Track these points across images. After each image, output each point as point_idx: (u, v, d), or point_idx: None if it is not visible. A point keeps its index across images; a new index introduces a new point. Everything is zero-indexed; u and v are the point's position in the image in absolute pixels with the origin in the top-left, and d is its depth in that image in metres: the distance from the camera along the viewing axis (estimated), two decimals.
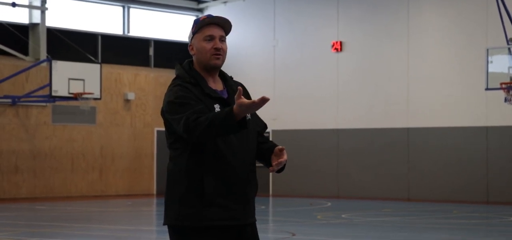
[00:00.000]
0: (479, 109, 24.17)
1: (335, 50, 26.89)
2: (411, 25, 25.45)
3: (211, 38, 4.65)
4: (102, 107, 27.50)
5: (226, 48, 4.71)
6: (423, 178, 25.15)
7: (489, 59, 20.68)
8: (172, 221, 4.62)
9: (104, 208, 23.37)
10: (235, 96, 4.37)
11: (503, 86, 19.60)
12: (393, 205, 23.39)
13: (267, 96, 4.37)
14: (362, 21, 26.49)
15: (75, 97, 23.85)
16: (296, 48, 28.04)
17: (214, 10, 30.18)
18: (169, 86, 4.69)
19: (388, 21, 25.89)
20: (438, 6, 25.19)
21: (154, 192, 28.80)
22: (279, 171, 4.70)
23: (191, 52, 4.71)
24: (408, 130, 25.44)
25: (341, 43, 26.84)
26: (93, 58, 26.33)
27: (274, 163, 4.65)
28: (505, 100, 19.68)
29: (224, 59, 4.72)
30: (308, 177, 27.34)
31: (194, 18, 30.14)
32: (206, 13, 30.48)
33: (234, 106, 4.36)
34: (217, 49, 4.65)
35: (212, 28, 4.66)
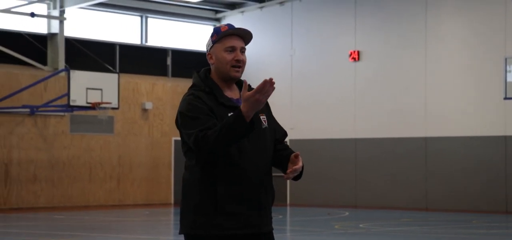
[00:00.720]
0: (497, 118, 24.03)
1: (353, 59, 26.84)
2: (429, 34, 25.37)
3: (232, 49, 4.65)
4: (119, 116, 27.57)
5: (246, 60, 4.70)
6: (441, 188, 25.02)
7: (508, 68, 20.56)
8: (187, 229, 4.62)
9: (122, 218, 23.40)
10: (242, 91, 4.35)
11: None
12: (411, 214, 23.29)
13: (270, 78, 4.33)
14: (379, 30, 26.43)
15: (93, 106, 23.92)
16: (314, 57, 28.01)
17: (231, 19, 30.21)
18: (184, 94, 4.69)
19: (405, 30, 25.82)
20: (456, 15, 25.10)
21: (172, 201, 28.81)
22: (296, 178, 4.68)
23: (210, 61, 4.71)
24: (425, 140, 25.33)
25: (358, 52, 26.79)
26: (111, 68, 26.40)
27: (289, 171, 4.63)
28: None
29: (243, 70, 4.71)
30: (325, 187, 27.28)
31: (211, 27, 30.22)
32: (223, 22, 30.51)
33: (241, 106, 4.34)
34: (238, 61, 4.65)
35: (233, 39, 4.65)
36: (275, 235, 4.81)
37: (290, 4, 28.62)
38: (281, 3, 28.85)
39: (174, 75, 29.55)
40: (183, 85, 29.21)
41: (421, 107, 25.40)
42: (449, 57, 25.06)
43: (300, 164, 4.62)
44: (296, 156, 4.66)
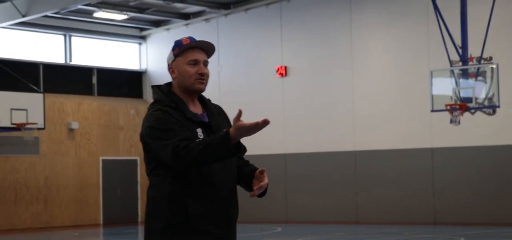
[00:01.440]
0: (424, 131, 24.39)
1: (280, 75, 26.92)
2: (354, 49, 25.62)
3: (195, 62, 4.57)
4: (45, 137, 27.07)
5: (209, 73, 4.63)
6: (371, 201, 25.25)
7: (433, 81, 20.87)
8: None
9: None
10: (234, 118, 4.28)
11: (448, 107, 19.80)
12: (343, 228, 23.43)
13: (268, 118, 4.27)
14: (306, 46, 26.57)
15: (18, 127, 23.43)
16: (241, 74, 28.02)
17: (157, 36, 30.03)
18: (148, 110, 4.58)
19: (331, 45, 26.01)
20: (381, 30, 25.40)
21: (101, 222, 28.40)
22: (261, 195, 4.62)
23: (172, 75, 4.61)
24: (355, 153, 25.55)
25: (285, 67, 26.89)
26: (35, 87, 25.92)
27: (255, 187, 4.57)
28: (451, 121, 19.87)
29: (207, 83, 4.64)
30: (256, 203, 27.19)
31: (137, 45, 29.98)
32: (149, 40, 30.30)
33: (231, 129, 4.27)
34: (201, 74, 4.56)
35: (196, 52, 4.57)
36: None
37: (215, 21, 28.57)
38: (206, 20, 28.78)
39: (100, 93, 29.18)
40: (110, 103, 28.88)
41: (350, 121, 25.61)
42: (375, 72, 25.34)
43: (266, 180, 4.57)
44: (262, 172, 4.60)
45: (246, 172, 4.70)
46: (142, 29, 30.15)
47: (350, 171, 25.57)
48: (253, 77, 27.70)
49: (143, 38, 30.33)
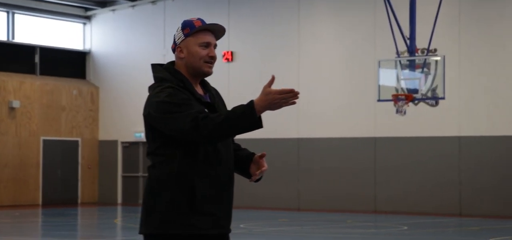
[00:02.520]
0: (368, 120, 24.65)
1: (226, 60, 26.91)
2: (302, 35, 25.74)
3: (207, 45, 4.53)
4: None
5: (216, 56, 4.61)
6: (314, 189, 25.43)
7: (380, 71, 21.09)
8: (154, 229, 4.40)
9: None
10: (265, 85, 4.21)
11: (394, 98, 20.03)
12: (286, 215, 23.56)
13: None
14: (253, 31, 26.61)
15: None
16: None
17: (103, 17, 29.72)
18: (154, 89, 4.48)
19: (279, 31, 26.09)
20: (328, 17, 25.58)
21: (40, 202, 28.06)
22: (257, 181, 4.61)
23: (180, 55, 4.53)
24: (298, 140, 25.69)
25: (232, 53, 26.89)
26: None
27: (257, 172, 4.55)
28: (396, 111, 20.12)
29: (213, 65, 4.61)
30: None
31: (81, 25, 29.64)
32: (94, 20, 29.97)
33: (256, 99, 4.22)
34: (212, 57, 4.53)
35: (208, 35, 4.54)
36: None
37: (162, 4, 28.41)
38: (153, 2, 28.61)
39: (43, 73, 28.80)
40: (52, 83, 28.52)
41: (294, 108, 25.71)
42: (322, 59, 25.50)
43: (266, 165, 4.56)
44: (261, 157, 4.58)
45: (242, 156, 4.66)
46: (87, 9, 29.82)
47: (293, 158, 25.70)
48: None
49: (88, 18, 30.00)
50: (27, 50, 28.62)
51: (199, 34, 4.52)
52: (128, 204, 28.71)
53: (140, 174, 29.21)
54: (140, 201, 28.55)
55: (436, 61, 20.56)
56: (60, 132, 28.71)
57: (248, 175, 4.64)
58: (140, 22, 28.92)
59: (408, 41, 20.00)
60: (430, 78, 20.55)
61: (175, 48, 4.57)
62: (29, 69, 28.51)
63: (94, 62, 29.95)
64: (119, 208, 27.80)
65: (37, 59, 28.76)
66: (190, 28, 4.52)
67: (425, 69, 20.25)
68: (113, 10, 29.48)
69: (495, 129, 23.10)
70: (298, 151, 25.70)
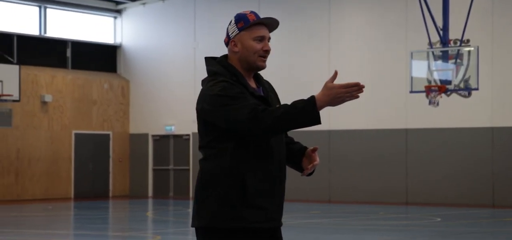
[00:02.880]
0: (400, 112, 24.53)
1: None
2: (332, 26, 25.66)
3: (262, 39, 4.51)
4: (18, 109, 26.80)
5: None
6: (344, 181, 25.36)
7: (412, 62, 20.98)
8: (206, 222, 4.42)
9: (25, 213, 22.78)
10: (328, 80, 4.21)
11: (427, 89, 19.92)
12: (317, 207, 23.52)
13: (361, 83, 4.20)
14: (284, 22, 26.50)
15: None
16: (217, 50, 27.72)
17: (133, 11, 29.82)
18: (208, 83, 4.47)
19: (309, 23, 26.03)
20: (359, 8, 25.48)
21: (72, 195, 28.24)
22: (309, 174, 4.59)
23: (234, 48, 4.51)
24: (329, 133, 25.62)
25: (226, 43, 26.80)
26: (10, 59, 25.64)
27: (309, 166, 4.54)
28: (429, 102, 20.01)
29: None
30: None
31: (112, 18, 29.76)
32: (124, 14, 30.08)
33: (317, 95, 4.21)
34: (266, 51, 4.52)
35: (262, 29, 4.52)
36: None
37: None
38: None
39: (74, 67, 28.96)
40: (83, 77, 28.69)
41: None
42: (353, 51, 25.41)
43: (318, 159, 4.54)
44: (314, 151, 4.57)
45: (295, 150, 4.65)
46: (117, 3, 29.93)
47: (324, 151, 25.63)
48: None
49: (119, 11, 30.11)
50: (59, 44, 28.77)
51: (253, 28, 4.49)
52: (158, 197, 28.81)
53: (170, 167, 29.29)
54: (171, 194, 28.91)
55: (469, 51, 20.43)
56: (91, 125, 28.86)
57: (300, 168, 4.63)
58: (171, 16, 28.97)
59: (441, 32, 19.87)
60: (462, 69, 20.43)
61: (228, 41, 4.53)
62: (60, 63, 28.67)
63: (125, 55, 30.06)
64: (150, 201, 27.90)
65: (68, 53, 28.92)
66: (244, 22, 4.49)
67: (458, 60, 20.11)
68: (144, 3, 29.55)
69: None
70: (329, 143, 25.63)
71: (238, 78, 4.44)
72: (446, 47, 20.12)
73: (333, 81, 4.27)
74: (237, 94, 4.33)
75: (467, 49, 20.61)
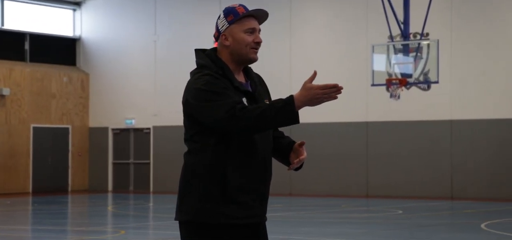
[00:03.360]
0: (361, 105, 24.66)
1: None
2: (293, 21, 25.70)
3: (253, 31, 4.48)
4: None
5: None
6: (305, 174, 25.39)
7: (373, 55, 21.10)
8: (188, 216, 4.40)
9: None
10: (307, 80, 4.20)
11: (388, 82, 20.05)
12: (278, 200, 23.55)
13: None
14: None
15: None
16: (177, 44, 27.81)
17: (92, 4, 29.56)
18: (194, 75, 4.44)
19: (270, 19, 25.77)
20: (320, 2, 25.55)
21: (30, 190, 27.95)
22: (297, 168, 4.58)
23: (225, 42, 4.47)
24: (290, 127, 25.58)
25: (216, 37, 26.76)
26: None
27: (295, 161, 4.53)
28: (391, 96, 20.14)
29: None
30: None
31: (71, 11, 29.48)
32: (84, 7, 29.81)
33: (296, 94, 4.20)
34: (258, 43, 4.49)
35: (252, 21, 4.49)
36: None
37: None
38: None
39: (33, 60, 28.64)
40: (42, 70, 28.38)
41: (286, 93, 25.66)
42: (314, 45, 25.47)
43: (305, 154, 4.53)
44: (301, 145, 4.56)
45: (284, 144, 4.62)
46: None
47: (316, 144, 25.61)
48: (190, 48, 27.36)
49: (78, 4, 29.82)
50: (17, 37, 28.44)
51: (243, 21, 4.47)
52: (118, 191, 28.64)
53: (131, 161, 29.14)
54: (131, 188, 28.75)
55: (429, 45, 20.59)
56: (50, 119, 28.59)
57: (288, 163, 4.61)
58: (131, 8, 28.78)
59: (401, 26, 20.00)
60: (422, 62, 20.60)
61: (218, 36, 4.50)
62: (19, 56, 28.35)
63: (84, 48, 29.80)
64: (110, 195, 27.72)
65: (27, 46, 28.60)
66: (234, 15, 4.46)
67: (418, 54, 20.28)
68: None
69: (487, 112, 23.15)
70: (291, 137, 25.59)
71: (225, 72, 4.42)
72: (406, 40, 20.26)
73: (311, 81, 4.26)
74: (220, 89, 4.31)
75: (427, 42, 20.78)
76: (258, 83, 4.56)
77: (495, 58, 23.01)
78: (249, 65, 4.55)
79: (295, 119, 4.23)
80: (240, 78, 4.51)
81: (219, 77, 4.36)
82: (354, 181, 24.78)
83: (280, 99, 4.24)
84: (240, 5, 4.49)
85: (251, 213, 4.42)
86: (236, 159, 4.36)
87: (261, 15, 4.52)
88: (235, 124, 4.23)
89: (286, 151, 4.61)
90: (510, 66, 22.80)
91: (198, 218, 4.38)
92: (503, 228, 15.59)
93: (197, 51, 4.55)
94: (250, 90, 4.48)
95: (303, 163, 4.54)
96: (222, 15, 4.49)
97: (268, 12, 4.60)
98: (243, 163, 4.37)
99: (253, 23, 4.48)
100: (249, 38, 4.46)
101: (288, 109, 4.19)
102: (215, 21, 4.63)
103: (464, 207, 20.65)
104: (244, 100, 4.39)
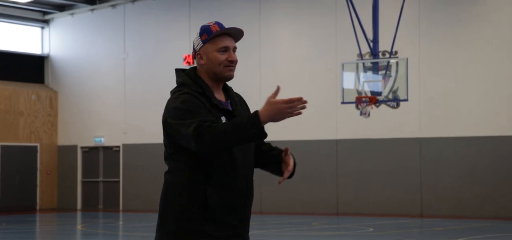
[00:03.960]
0: (331, 123, 24.72)
1: (188, 64, 26.79)
2: (263, 38, 25.74)
3: (226, 49, 4.48)
4: None
5: (237, 60, 4.55)
6: (275, 192, 25.41)
7: (343, 73, 21.15)
8: (168, 236, 4.38)
9: None
10: (270, 95, 4.20)
11: (358, 100, 20.12)
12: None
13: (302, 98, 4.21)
14: None
15: None
16: (147, 61, 27.75)
17: (61, 21, 29.42)
18: (173, 94, 4.46)
19: (244, 31, 25.98)
20: (289, 20, 25.61)
21: None
22: (290, 176, 4.53)
23: (200, 61, 4.49)
24: None
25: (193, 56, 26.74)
26: None
27: (285, 173, 4.48)
28: (361, 113, 20.21)
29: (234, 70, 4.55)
30: (159, 192, 27.02)
31: (39, 29, 29.32)
32: (52, 25, 29.66)
33: (261, 109, 4.18)
34: (232, 61, 4.47)
35: (226, 39, 4.49)
36: None
37: (122, 7, 28.21)
38: (113, 6, 28.38)
39: (0, 78, 28.42)
40: (10, 88, 28.16)
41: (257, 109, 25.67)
42: (283, 63, 25.52)
43: (292, 162, 4.50)
44: (286, 153, 4.50)
45: (276, 155, 4.61)
46: (45, 13, 29.49)
47: None
48: (159, 65, 27.47)
49: (46, 22, 29.67)
50: None
51: (217, 39, 4.48)
52: (87, 210, 28.44)
53: (100, 179, 28.96)
54: (100, 206, 28.55)
55: (397, 63, 20.70)
56: (18, 137, 28.36)
57: (281, 174, 4.56)
58: (99, 26, 28.68)
59: (371, 44, 20.10)
60: (391, 80, 20.69)
61: (194, 54, 4.50)
62: None
63: (53, 66, 29.62)
64: (79, 214, 27.51)
65: None
66: (207, 34, 4.48)
67: (387, 72, 20.38)
68: (72, 13, 29.19)
69: (455, 130, 23.30)
70: None
71: (204, 90, 4.42)
72: (376, 58, 20.36)
73: (275, 96, 4.27)
74: (195, 108, 4.31)
75: (396, 60, 20.88)
76: (238, 102, 4.56)
77: (462, 76, 23.19)
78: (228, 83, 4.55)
79: (260, 135, 4.21)
80: (220, 96, 4.51)
81: (197, 95, 4.36)
82: (325, 199, 24.81)
83: (245, 115, 4.25)
84: (216, 23, 4.50)
85: (232, 233, 4.40)
86: (216, 178, 4.35)
87: (236, 33, 4.52)
88: (201, 140, 4.20)
89: (275, 163, 4.57)
90: (477, 85, 22.99)
91: (178, 238, 4.34)
92: None
93: (177, 71, 4.57)
94: (230, 108, 4.48)
95: (294, 169, 4.49)
96: (198, 34, 4.49)
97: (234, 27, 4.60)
98: (223, 182, 4.36)
99: (226, 41, 4.48)
100: (222, 57, 4.47)
101: (253, 124, 4.17)
102: (186, 39, 4.62)
103: (433, 225, 20.73)
104: (223, 118, 4.38)
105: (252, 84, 25.78)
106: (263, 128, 4.21)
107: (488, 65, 22.83)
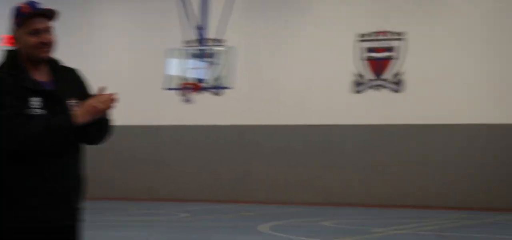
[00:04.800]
0: (152, 108, 24.71)
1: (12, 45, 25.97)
2: (90, 22, 25.41)
3: (36, 31, 4.35)
4: None
5: (53, 37, 4.41)
6: (103, 176, 24.97)
7: (168, 59, 21.21)
8: None
9: None
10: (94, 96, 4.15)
11: (182, 86, 20.23)
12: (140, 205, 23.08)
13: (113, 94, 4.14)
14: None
15: None
16: None
17: None
18: None
19: (65, 19, 25.36)
20: (118, 5, 25.43)
21: None
22: (101, 126, 4.32)
23: (16, 45, 4.32)
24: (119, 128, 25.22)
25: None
26: None
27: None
28: (184, 100, 20.32)
29: (52, 48, 4.42)
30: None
31: None
32: None
33: (75, 111, 4.16)
34: (44, 43, 4.36)
35: (38, 21, 4.33)
36: None
37: None
38: None
39: None
40: None
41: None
42: (109, 48, 25.32)
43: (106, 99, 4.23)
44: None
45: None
46: None
47: (106, 147, 25.15)
48: None
49: None
50: None
51: (28, 22, 4.31)
52: None
53: None
54: None
55: (223, 51, 20.95)
56: None
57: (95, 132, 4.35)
58: None
59: (198, 31, 20.23)
60: (216, 68, 20.93)
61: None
62: None
63: None
64: None
65: None
66: (19, 17, 4.36)
67: (213, 59, 20.58)
68: None
69: (275, 118, 23.86)
70: (114, 140, 25.20)
71: (19, 71, 4.29)
72: (202, 46, 20.52)
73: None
74: (3, 91, 4.18)
75: (222, 48, 21.12)
76: (66, 79, 4.45)
77: (289, 65, 23.74)
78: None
79: (71, 135, 4.16)
80: (41, 75, 4.38)
81: (5, 77, 4.23)
82: (142, 184, 24.78)
83: (61, 116, 4.18)
84: (27, 3, 4.38)
85: (41, 218, 4.24)
86: (26, 161, 4.21)
87: (47, 13, 4.44)
88: (12, 142, 4.13)
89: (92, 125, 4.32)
90: (301, 74, 23.57)
91: None
92: (286, 230, 16.09)
93: (4, 51, 4.41)
94: (49, 88, 4.37)
95: (106, 120, 4.33)
96: (11, 16, 4.34)
97: (61, 11, 4.50)
98: (34, 163, 4.22)
99: (38, 23, 4.30)
100: (34, 40, 4.34)
101: (64, 123, 4.16)
102: (5, 19, 4.53)
103: (249, 209, 21.13)
104: (37, 100, 4.27)
105: (86, 70, 25.28)
106: (73, 127, 4.14)
107: (313, 53, 23.45)
